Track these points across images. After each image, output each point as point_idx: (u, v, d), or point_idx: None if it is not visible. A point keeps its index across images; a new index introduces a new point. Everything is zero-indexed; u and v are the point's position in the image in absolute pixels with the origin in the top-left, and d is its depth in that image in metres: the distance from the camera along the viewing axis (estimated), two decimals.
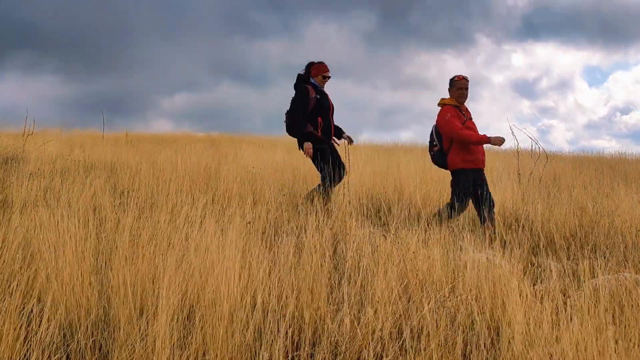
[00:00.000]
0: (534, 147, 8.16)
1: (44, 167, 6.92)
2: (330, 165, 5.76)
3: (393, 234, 4.08)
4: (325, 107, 6.06)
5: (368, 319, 2.82)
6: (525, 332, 2.63)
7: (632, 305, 3.02)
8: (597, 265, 3.90)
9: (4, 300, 2.51)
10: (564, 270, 3.77)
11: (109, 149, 9.54)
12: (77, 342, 2.55)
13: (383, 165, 9.03)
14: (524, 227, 5.54)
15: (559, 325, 2.63)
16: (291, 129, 6.04)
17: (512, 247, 4.64)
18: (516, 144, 8.08)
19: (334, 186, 5.90)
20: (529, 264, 4.22)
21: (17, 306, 2.50)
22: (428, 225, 4.43)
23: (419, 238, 3.94)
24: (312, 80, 6.06)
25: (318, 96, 5.99)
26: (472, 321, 2.90)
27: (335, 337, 2.74)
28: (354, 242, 3.87)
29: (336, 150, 6.11)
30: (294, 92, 6.17)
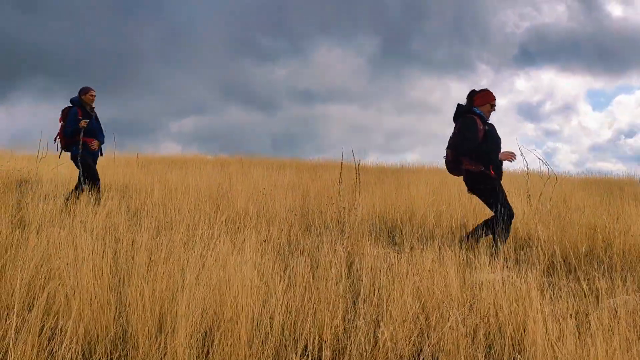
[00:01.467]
0: (542, 168, 8.14)
1: (57, 189, 6.95)
2: (504, 205, 5.28)
3: (408, 253, 4.05)
4: (496, 139, 5.44)
5: (387, 337, 2.79)
6: (549, 349, 2.59)
7: None
8: (615, 285, 3.86)
9: (25, 318, 2.49)
10: (582, 290, 3.72)
11: (121, 171, 9.59)
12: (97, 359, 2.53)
13: (392, 186, 9.03)
14: (537, 247, 5.50)
15: (582, 343, 2.59)
16: (455, 167, 5.52)
17: (527, 266, 4.59)
18: (526, 165, 8.08)
19: (509, 227, 5.33)
20: (547, 283, 4.17)
21: (39, 321, 2.48)
22: (442, 244, 4.41)
23: (434, 257, 3.92)
24: (478, 111, 5.40)
25: (487, 127, 5.34)
26: (493, 339, 2.87)
27: (355, 355, 2.71)
28: (368, 261, 3.84)
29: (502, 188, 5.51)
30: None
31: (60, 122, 7.21)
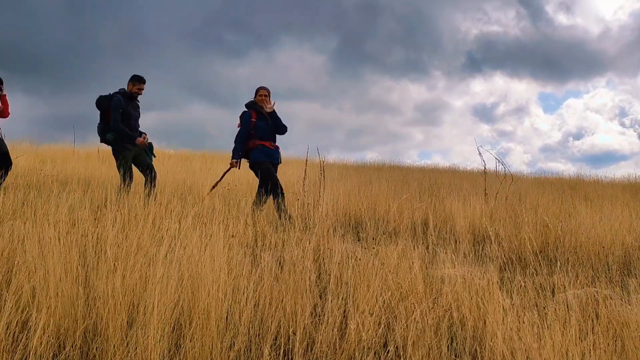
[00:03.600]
0: (497, 167, 8.40)
1: (17, 180, 6.75)
2: None
3: (374, 248, 4.12)
4: None
5: (353, 330, 2.84)
6: (508, 341, 2.70)
7: (604, 316, 3.12)
8: (567, 281, 4.02)
9: None
10: (538, 284, 3.87)
11: (82, 164, 9.37)
12: (66, 355, 2.50)
13: (355, 183, 9.12)
14: (493, 243, 5.66)
15: (539, 334, 2.70)
16: None
17: (485, 262, 4.74)
18: (483, 165, 8.31)
19: None
20: (504, 278, 4.31)
21: (7, 317, 2.43)
22: (405, 239, 4.50)
23: (399, 252, 3.99)
24: None
25: None
26: (455, 331, 2.96)
27: (323, 347, 2.75)
28: (335, 256, 3.89)
29: None
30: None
31: (239, 127, 6.81)
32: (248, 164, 6.92)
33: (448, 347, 2.80)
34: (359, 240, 5.37)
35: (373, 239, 4.73)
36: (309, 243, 4.35)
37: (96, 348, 2.59)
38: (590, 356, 2.51)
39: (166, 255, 3.14)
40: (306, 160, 6.99)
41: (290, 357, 2.71)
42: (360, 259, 3.76)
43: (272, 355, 2.70)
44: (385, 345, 2.87)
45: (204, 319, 2.68)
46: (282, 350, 2.74)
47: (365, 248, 4.45)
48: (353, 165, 15.64)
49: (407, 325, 2.84)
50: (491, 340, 2.77)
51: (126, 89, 6.97)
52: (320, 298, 3.38)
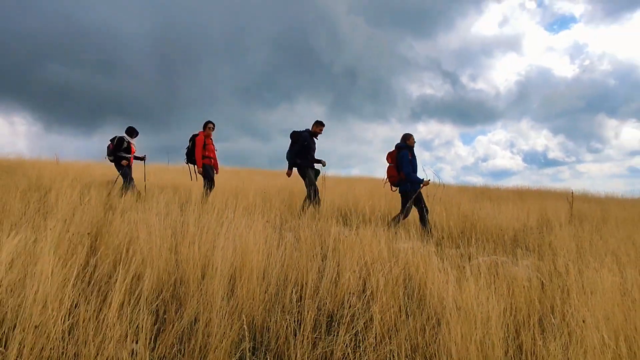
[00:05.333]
0: (434, 180, 8.36)
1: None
2: None
3: (355, 230, 4.12)
4: None
5: (344, 281, 2.84)
6: (441, 288, 2.69)
7: (501, 274, 3.11)
8: (478, 251, 4.01)
9: (118, 269, 2.46)
10: (461, 254, 3.85)
11: (173, 176, 9.37)
12: (163, 295, 2.51)
13: (344, 189, 9.10)
14: (431, 227, 5.64)
15: (460, 284, 2.69)
16: None
17: (427, 239, 4.72)
18: (427, 178, 8.28)
19: None
20: (439, 250, 4.29)
21: (126, 271, 2.45)
22: (376, 225, 4.48)
23: (372, 233, 3.99)
24: None
25: None
26: (408, 282, 2.96)
27: (324, 292, 2.75)
28: (332, 235, 3.88)
29: None
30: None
31: (389, 162, 6.04)
32: (399, 189, 6.03)
33: (403, 292, 2.80)
34: (346, 225, 5.35)
35: (355, 224, 4.72)
36: (315, 226, 4.35)
37: (181, 291, 2.60)
38: (492, 298, 2.50)
39: (225, 233, 3.15)
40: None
41: (303, 299, 2.71)
42: (347, 237, 3.76)
43: (291, 296, 2.70)
44: (364, 290, 2.86)
45: (249, 273, 2.69)
46: (298, 294, 2.74)
47: (350, 230, 4.44)
48: (344, 178, 15.60)
49: (377, 279, 2.84)
50: (430, 288, 2.77)
51: (311, 129, 6.30)
52: (322, 261, 3.37)
